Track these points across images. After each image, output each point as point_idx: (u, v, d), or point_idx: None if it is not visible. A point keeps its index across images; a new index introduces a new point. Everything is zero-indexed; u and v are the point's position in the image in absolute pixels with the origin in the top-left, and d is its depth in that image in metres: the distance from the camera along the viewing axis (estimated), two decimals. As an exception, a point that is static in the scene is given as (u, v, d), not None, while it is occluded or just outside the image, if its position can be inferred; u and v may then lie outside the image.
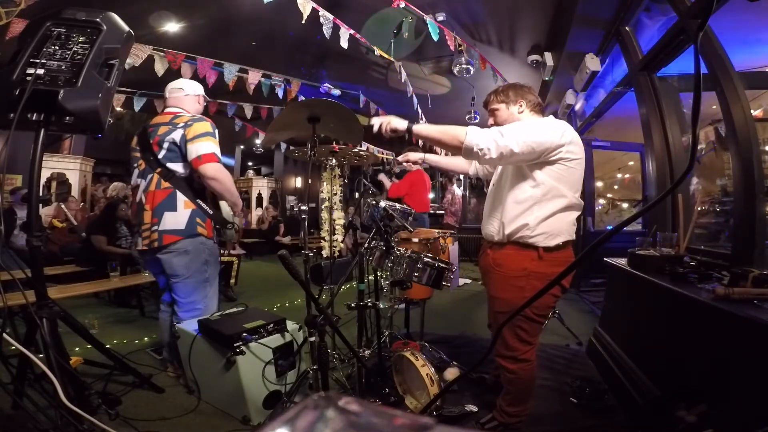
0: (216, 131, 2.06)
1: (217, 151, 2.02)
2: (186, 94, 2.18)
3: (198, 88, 2.23)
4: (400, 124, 1.58)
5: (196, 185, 2.07)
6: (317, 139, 2.08)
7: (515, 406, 1.68)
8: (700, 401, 1.30)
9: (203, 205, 2.07)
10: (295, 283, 1.38)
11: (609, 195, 6.66)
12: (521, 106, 1.66)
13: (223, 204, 2.19)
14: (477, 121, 5.92)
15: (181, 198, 2.02)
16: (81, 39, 1.47)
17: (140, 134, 2.12)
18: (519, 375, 1.60)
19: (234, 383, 1.78)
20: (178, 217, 2.00)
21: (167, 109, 2.16)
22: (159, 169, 2.02)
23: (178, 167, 2.03)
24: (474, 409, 1.92)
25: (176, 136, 1.99)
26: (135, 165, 2.12)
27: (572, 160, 1.49)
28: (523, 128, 1.46)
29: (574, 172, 1.51)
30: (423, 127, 1.54)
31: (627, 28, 3.17)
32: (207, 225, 2.08)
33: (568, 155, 1.47)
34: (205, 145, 1.98)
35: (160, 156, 2.02)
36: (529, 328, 1.57)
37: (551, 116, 1.68)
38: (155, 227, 1.99)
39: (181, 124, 2.01)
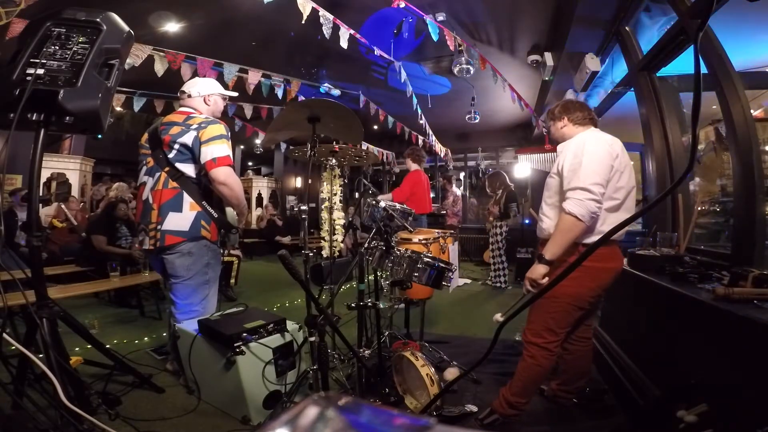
0: (229, 134, 2.05)
1: (231, 154, 2.02)
2: (189, 96, 2.17)
3: (203, 88, 2.19)
4: (539, 272, 1.59)
5: (203, 187, 2.06)
6: (317, 139, 2.08)
7: (518, 397, 1.72)
8: (700, 401, 1.30)
9: (209, 207, 2.05)
10: (295, 283, 1.38)
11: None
12: (563, 121, 1.80)
13: (229, 208, 2.19)
14: (477, 121, 5.91)
15: (187, 199, 2.01)
16: (81, 39, 1.47)
17: (152, 132, 2.10)
18: (538, 361, 1.68)
19: (234, 383, 1.78)
20: (182, 219, 2.00)
21: (180, 109, 2.16)
22: (167, 168, 2.01)
23: (187, 169, 2.02)
24: (474, 409, 1.92)
25: (188, 138, 1.98)
26: (143, 162, 2.10)
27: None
28: (589, 174, 1.54)
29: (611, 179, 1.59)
30: (552, 250, 1.57)
31: (627, 28, 3.17)
32: (212, 228, 2.07)
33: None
34: (220, 147, 1.97)
35: (170, 156, 2.00)
36: (559, 317, 1.65)
37: (597, 130, 1.75)
38: (159, 226, 1.98)
39: (195, 126, 2.00)
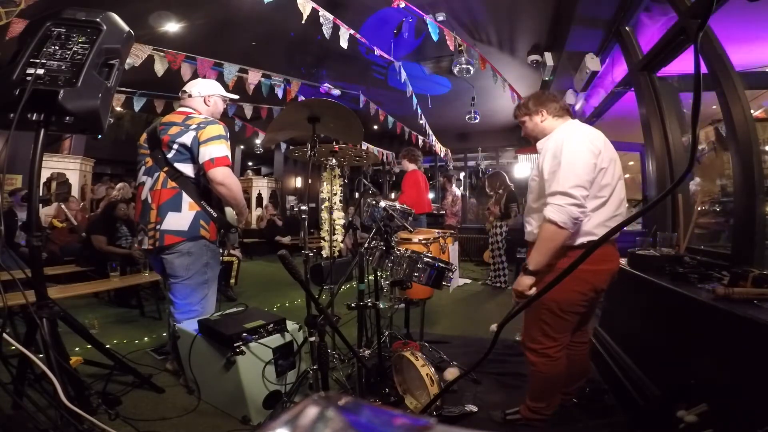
0: (228, 134, 2.05)
1: (229, 154, 2.02)
2: (190, 96, 2.17)
3: (204, 88, 2.19)
4: (524, 283, 1.52)
5: (202, 187, 2.06)
6: (317, 139, 2.08)
7: (534, 402, 1.71)
8: (700, 401, 1.30)
9: (208, 207, 2.05)
10: (295, 283, 1.38)
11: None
12: (542, 115, 1.69)
13: (228, 208, 2.19)
14: (477, 121, 5.91)
15: (186, 199, 2.01)
16: (81, 39, 1.47)
17: (150, 132, 2.11)
18: (539, 369, 1.64)
19: (234, 383, 1.78)
20: (181, 219, 2.00)
21: (180, 108, 2.16)
22: (166, 168, 2.01)
23: (186, 168, 2.02)
24: (474, 409, 1.92)
25: (187, 138, 1.98)
26: (142, 162, 2.11)
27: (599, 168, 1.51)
28: (569, 177, 1.45)
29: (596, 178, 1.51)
30: (536, 260, 1.50)
31: (627, 28, 3.17)
32: (210, 228, 2.07)
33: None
34: (219, 148, 1.97)
35: (169, 156, 2.01)
36: (552, 323, 1.59)
37: (575, 122, 1.68)
38: (158, 226, 1.99)
39: (194, 126, 2.01)
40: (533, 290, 1.51)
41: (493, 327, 1.62)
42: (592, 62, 3.68)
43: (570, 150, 1.48)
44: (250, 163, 13.19)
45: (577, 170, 1.45)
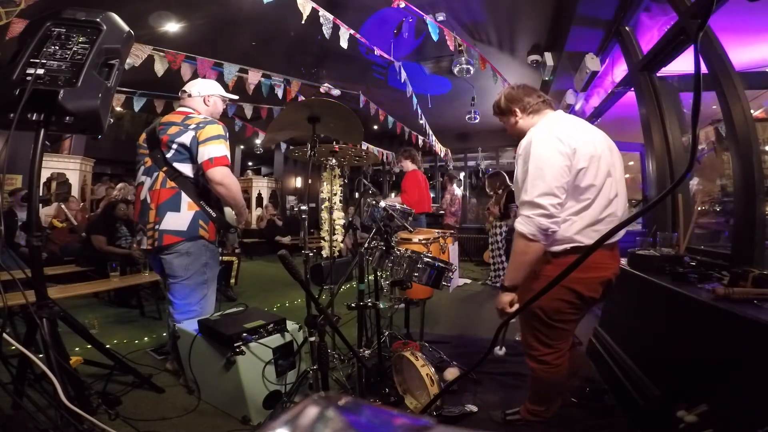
0: (227, 134, 2.05)
1: (228, 154, 2.02)
2: (189, 95, 2.18)
3: (203, 88, 2.20)
4: (503, 300, 1.48)
5: (201, 187, 2.06)
6: (317, 139, 2.08)
7: (534, 405, 1.70)
8: (700, 401, 1.30)
9: (207, 207, 2.06)
10: (295, 283, 1.38)
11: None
12: (516, 114, 1.60)
13: (227, 208, 2.19)
14: (477, 121, 5.91)
15: (185, 199, 2.01)
16: (81, 39, 1.47)
17: (150, 132, 2.11)
18: (538, 375, 1.61)
19: (234, 383, 1.78)
20: (180, 219, 2.00)
21: (179, 108, 2.16)
22: (165, 168, 2.01)
23: (185, 168, 2.02)
24: (474, 409, 1.92)
25: (186, 138, 1.98)
26: (141, 162, 2.11)
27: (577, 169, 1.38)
28: (536, 185, 1.35)
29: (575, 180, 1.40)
30: (511, 275, 1.46)
31: (627, 28, 3.17)
32: (209, 228, 2.07)
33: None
34: (218, 148, 1.97)
35: (168, 156, 2.01)
36: (543, 330, 1.54)
37: (555, 115, 1.57)
38: (157, 226, 1.99)
39: (193, 126, 2.01)
40: (515, 306, 1.46)
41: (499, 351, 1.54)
42: (592, 62, 3.67)
43: (537, 154, 1.36)
44: (250, 163, 13.19)
45: (544, 176, 1.34)
